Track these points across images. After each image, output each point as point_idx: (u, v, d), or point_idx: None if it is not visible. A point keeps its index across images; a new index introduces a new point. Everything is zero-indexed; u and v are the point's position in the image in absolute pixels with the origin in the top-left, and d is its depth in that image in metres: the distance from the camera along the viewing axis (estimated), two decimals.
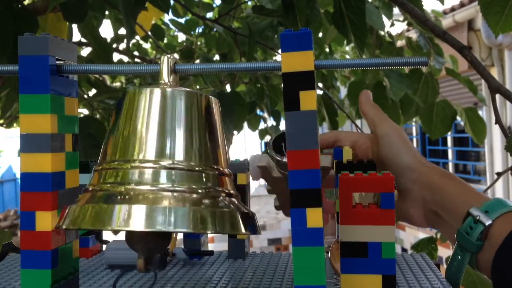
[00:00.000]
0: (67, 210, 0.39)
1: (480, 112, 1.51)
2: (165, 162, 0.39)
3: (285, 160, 0.54)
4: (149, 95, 0.41)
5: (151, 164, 0.39)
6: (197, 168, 0.40)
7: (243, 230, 0.39)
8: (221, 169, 0.42)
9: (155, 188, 0.38)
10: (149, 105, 0.40)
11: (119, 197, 0.37)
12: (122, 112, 0.41)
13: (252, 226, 0.41)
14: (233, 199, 0.41)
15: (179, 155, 0.39)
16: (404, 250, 4.91)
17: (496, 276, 0.42)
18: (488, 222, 0.42)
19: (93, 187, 0.40)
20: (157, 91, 0.41)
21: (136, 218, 0.36)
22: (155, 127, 0.40)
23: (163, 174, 0.38)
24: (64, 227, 0.38)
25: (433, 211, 0.48)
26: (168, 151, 0.39)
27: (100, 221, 0.36)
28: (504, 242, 0.41)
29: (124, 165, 0.39)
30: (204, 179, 0.40)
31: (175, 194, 0.38)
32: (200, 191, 0.39)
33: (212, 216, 0.37)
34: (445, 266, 0.48)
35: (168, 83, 0.42)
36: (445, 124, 1.46)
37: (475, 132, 1.47)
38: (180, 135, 0.40)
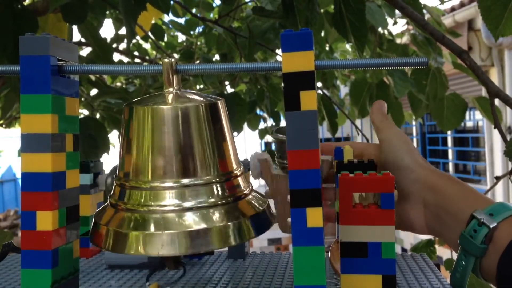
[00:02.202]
0: (104, 231, 0.41)
1: (480, 112, 1.51)
2: (185, 180, 0.40)
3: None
4: (160, 113, 0.41)
5: (171, 184, 0.40)
6: (214, 180, 0.41)
7: (258, 234, 0.41)
8: (235, 171, 0.43)
9: (178, 208, 0.39)
10: (162, 124, 0.41)
11: (149, 223, 0.39)
12: (134, 128, 0.42)
13: (267, 222, 0.43)
14: (248, 198, 0.43)
15: (197, 171, 0.41)
16: (404, 250, 4.91)
17: (501, 282, 0.41)
18: (493, 225, 0.42)
19: (120, 204, 0.41)
20: (167, 109, 0.41)
21: (169, 244, 0.38)
22: (171, 146, 0.41)
23: (184, 193, 0.40)
24: (105, 249, 0.40)
25: (435, 215, 0.47)
26: (186, 169, 0.41)
27: (141, 248, 0.39)
28: (509, 247, 0.40)
29: (145, 185, 0.40)
30: (221, 189, 0.41)
31: (198, 213, 0.39)
32: (220, 202, 0.40)
33: (235, 230, 0.40)
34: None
35: (173, 90, 0.42)
36: (456, 116, 1.45)
37: (490, 118, 1.47)
38: (195, 150, 0.41)
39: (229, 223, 0.40)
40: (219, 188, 0.41)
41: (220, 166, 0.42)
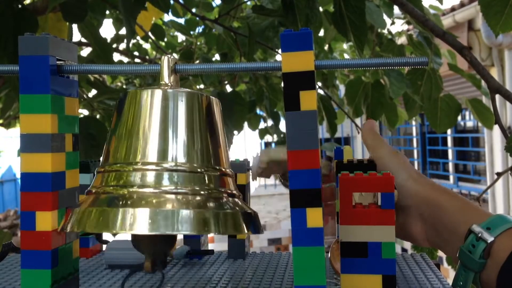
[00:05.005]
0: (71, 213, 0.39)
1: (472, 114, 1.51)
2: (167, 164, 0.39)
3: None
4: (151, 96, 0.41)
5: (153, 167, 0.39)
6: (199, 170, 0.40)
7: (245, 230, 0.39)
8: (223, 169, 0.42)
9: (158, 190, 0.38)
10: (151, 107, 0.40)
11: (122, 200, 0.37)
12: (123, 113, 0.41)
13: (255, 226, 0.41)
14: (236, 200, 0.42)
15: (181, 156, 0.40)
16: (404, 250, 4.90)
17: None
18: (490, 239, 0.41)
19: (96, 189, 0.40)
20: (158, 92, 0.41)
21: (140, 221, 0.36)
22: (157, 129, 0.40)
23: (166, 176, 0.39)
24: (68, 229, 0.38)
25: (434, 229, 0.47)
26: (170, 153, 0.39)
27: (104, 224, 0.36)
28: (508, 259, 0.40)
29: (127, 168, 0.39)
30: (206, 180, 0.40)
31: (178, 196, 0.38)
32: (202, 192, 0.39)
33: (215, 218, 0.38)
34: (445, 265, 0.47)
35: (169, 84, 0.42)
36: (450, 118, 1.45)
37: (483, 120, 1.47)
38: (182, 136, 0.40)
39: (209, 210, 0.38)
40: (204, 179, 0.40)
41: (208, 160, 0.41)
